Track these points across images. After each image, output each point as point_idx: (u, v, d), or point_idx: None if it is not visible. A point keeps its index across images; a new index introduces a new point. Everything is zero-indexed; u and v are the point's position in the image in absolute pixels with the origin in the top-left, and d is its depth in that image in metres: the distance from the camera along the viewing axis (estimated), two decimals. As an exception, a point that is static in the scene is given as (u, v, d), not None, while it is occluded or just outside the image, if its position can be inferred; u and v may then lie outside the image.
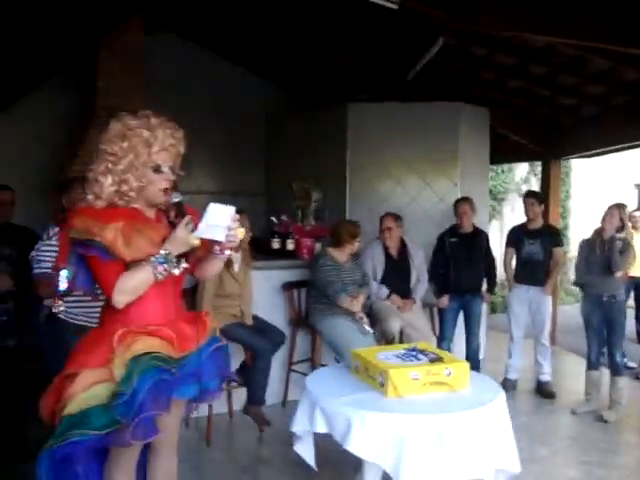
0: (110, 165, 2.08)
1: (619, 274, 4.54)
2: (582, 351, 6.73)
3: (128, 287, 2.04)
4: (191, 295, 4.04)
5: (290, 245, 5.03)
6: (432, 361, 2.96)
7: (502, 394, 2.93)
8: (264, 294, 4.71)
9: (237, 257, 4.24)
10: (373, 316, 4.87)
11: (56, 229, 3.33)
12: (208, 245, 2.17)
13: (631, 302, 6.49)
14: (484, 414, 2.73)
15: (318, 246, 5.06)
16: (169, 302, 2.20)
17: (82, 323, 3.32)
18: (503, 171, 10.85)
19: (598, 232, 4.68)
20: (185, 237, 2.06)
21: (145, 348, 2.05)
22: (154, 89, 6.83)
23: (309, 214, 5.17)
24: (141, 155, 2.08)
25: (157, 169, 2.11)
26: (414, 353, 3.06)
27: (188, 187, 5.75)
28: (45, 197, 6.37)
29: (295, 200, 5.21)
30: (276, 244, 5.08)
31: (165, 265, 2.04)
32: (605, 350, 4.79)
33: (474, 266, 5.25)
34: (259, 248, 4.89)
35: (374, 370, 2.87)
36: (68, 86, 6.64)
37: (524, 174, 11.18)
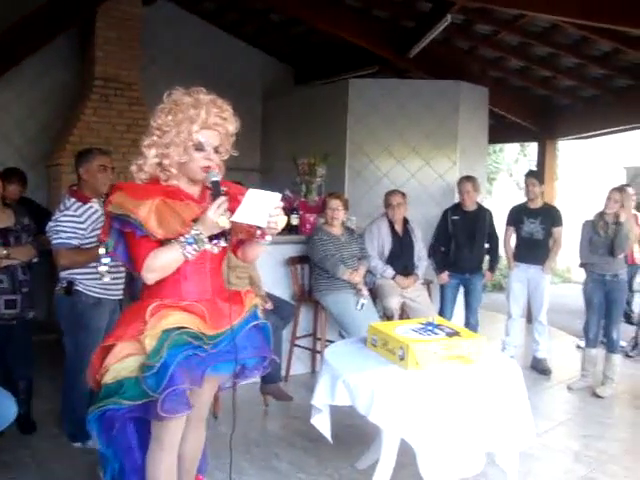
0: (155, 138, 2.09)
1: (621, 255, 4.62)
2: (570, 329, 6.93)
3: (156, 265, 2.04)
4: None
5: (294, 220, 5.01)
6: (449, 335, 3.00)
7: (518, 368, 2.99)
8: (268, 269, 4.69)
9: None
10: (375, 292, 4.94)
11: (72, 200, 3.29)
12: (251, 229, 2.15)
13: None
14: (504, 387, 2.79)
15: (321, 221, 5.05)
16: (205, 280, 2.18)
17: (99, 295, 3.30)
18: (494, 151, 10.93)
19: (600, 214, 4.74)
20: (215, 219, 2.01)
21: (177, 322, 2.06)
22: (151, 60, 6.75)
23: (313, 190, 5.14)
24: (183, 132, 2.07)
25: (199, 147, 2.09)
26: (431, 327, 3.09)
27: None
28: (39, 169, 6.30)
29: (299, 175, 5.17)
30: (280, 219, 5.03)
31: (194, 245, 2.02)
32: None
33: (476, 244, 5.30)
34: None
35: (394, 344, 2.90)
36: (62, 58, 6.51)
37: (514, 155, 11.28)
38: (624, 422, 4.36)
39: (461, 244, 5.25)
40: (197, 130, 2.07)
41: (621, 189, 4.77)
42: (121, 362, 2.05)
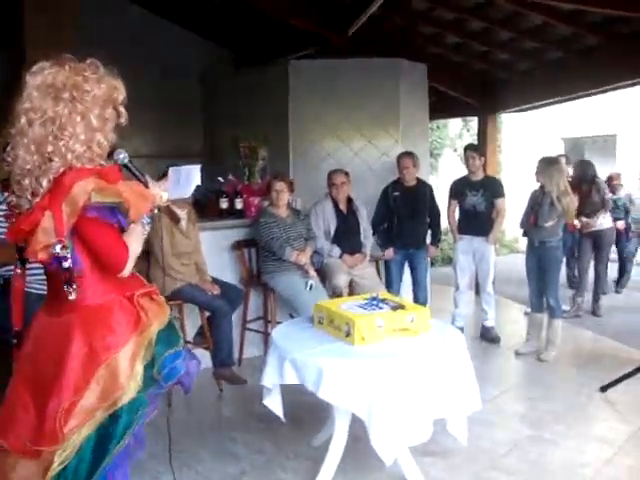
0: (78, 118, 1.77)
1: (547, 225, 4.76)
2: (518, 298, 7.13)
3: (137, 251, 1.88)
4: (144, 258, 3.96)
5: (239, 204, 4.98)
6: (394, 309, 3.06)
7: (462, 337, 3.07)
8: (214, 254, 4.67)
9: (183, 214, 4.19)
10: (323, 272, 4.97)
11: (6, 194, 3.17)
12: None
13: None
14: (448, 356, 2.86)
15: (265, 204, 5.04)
16: None
17: (41, 292, 3.19)
18: (438, 127, 11.06)
19: (542, 186, 4.87)
20: (160, 196, 1.95)
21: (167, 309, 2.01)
22: (84, 44, 6.52)
23: (255, 173, 5.11)
24: (107, 108, 1.85)
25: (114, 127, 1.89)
26: (376, 302, 3.14)
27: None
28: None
29: (241, 159, 5.13)
30: (224, 204, 5.00)
31: (149, 225, 1.97)
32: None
33: (418, 219, 5.36)
34: (202, 209, 4.81)
35: (340, 320, 2.93)
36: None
37: (458, 130, 11.45)
38: (567, 383, 4.51)
39: (404, 220, 5.28)
40: (119, 105, 1.89)
41: (549, 160, 4.93)
42: (133, 370, 1.85)
